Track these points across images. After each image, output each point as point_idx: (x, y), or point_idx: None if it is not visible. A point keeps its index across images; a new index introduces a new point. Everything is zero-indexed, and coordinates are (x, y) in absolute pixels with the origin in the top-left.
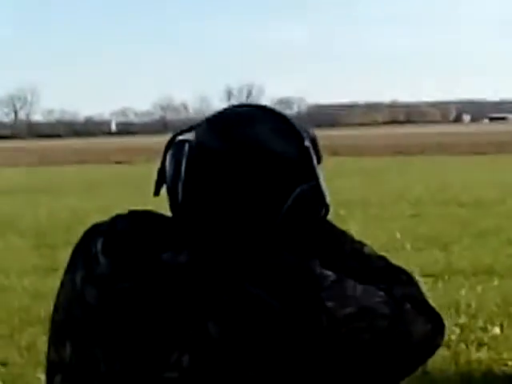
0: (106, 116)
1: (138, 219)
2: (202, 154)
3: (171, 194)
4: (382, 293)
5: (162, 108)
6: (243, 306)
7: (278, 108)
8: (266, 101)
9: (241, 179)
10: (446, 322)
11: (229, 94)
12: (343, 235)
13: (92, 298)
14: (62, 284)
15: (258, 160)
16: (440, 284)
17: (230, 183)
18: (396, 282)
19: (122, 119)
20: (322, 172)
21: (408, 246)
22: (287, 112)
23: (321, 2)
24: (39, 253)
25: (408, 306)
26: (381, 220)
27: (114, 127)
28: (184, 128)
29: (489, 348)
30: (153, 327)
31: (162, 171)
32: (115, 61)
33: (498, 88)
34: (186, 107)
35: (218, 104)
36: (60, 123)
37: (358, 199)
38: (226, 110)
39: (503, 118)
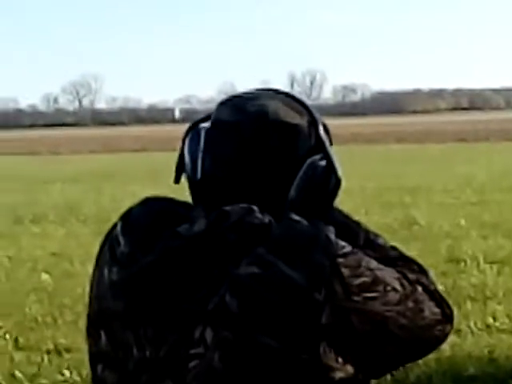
0: (170, 103)
1: (153, 203)
2: (217, 128)
3: (190, 177)
4: (395, 272)
5: (226, 95)
6: (260, 277)
7: (341, 95)
8: (329, 87)
9: (253, 148)
10: None
11: (292, 80)
12: (357, 226)
13: (116, 277)
14: (94, 275)
15: (269, 129)
16: (505, 271)
17: (243, 153)
18: (409, 269)
19: (185, 106)
20: (333, 151)
21: (473, 233)
22: (352, 98)
23: None
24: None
25: (420, 289)
26: (445, 207)
27: (177, 114)
28: (202, 117)
29: None
30: (174, 303)
31: (181, 159)
32: (178, 47)
33: None
34: None
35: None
36: (123, 110)
37: (423, 186)
38: (237, 93)
39: None
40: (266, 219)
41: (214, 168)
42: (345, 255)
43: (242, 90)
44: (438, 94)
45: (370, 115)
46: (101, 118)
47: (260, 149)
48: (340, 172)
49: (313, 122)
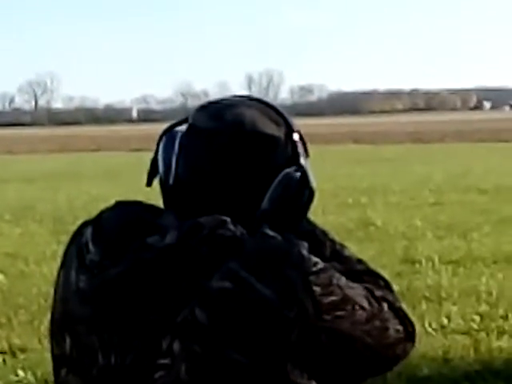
0: (127, 103)
1: (125, 208)
2: (193, 134)
3: (163, 180)
4: (363, 289)
5: (183, 95)
6: (231, 292)
7: (298, 95)
8: (286, 87)
9: (229, 157)
10: (468, 310)
11: (249, 81)
12: (324, 236)
13: (84, 285)
14: (58, 279)
15: (245, 138)
16: (460, 272)
17: (218, 161)
18: (375, 285)
19: (142, 106)
20: (308, 162)
21: (429, 234)
22: (309, 98)
23: None
24: (58, 239)
25: (386, 306)
26: (402, 208)
27: (134, 114)
28: (179, 120)
29: (509, 336)
30: (143, 313)
31: (154, 162)
32: (136, 48)
33: None
34: (206, 94)
35: (238, 91)
36: (80, 110)
37: (379, 187)
38: (216, 99)
39: None
40: (239, 232)
41: (188, 174)
42: (317, 273)
43: (221, 97)
44: (395, 94)
45: (327, 116)
46: (57, 118)
47: (235, 158)
48: (314, 184)
49: (289, 134)
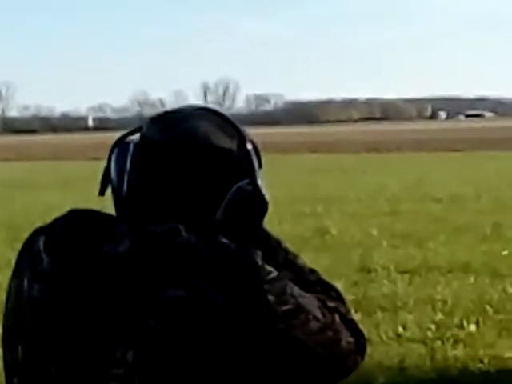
0: (83, 111)
1: (78, 217)
2: (146, 146)
3: (116, 191)
4: (316, 300)
5: (139, 104)
6: (185, 301)
7: (254, 104)
8: (242, 96)
9: (181, 170)
10: (423, 319)
11: (205, 90)
12: (278, 245)
13: (37, 293)
14: (10, 288)
15: (198, 152)
16: (416, 281)
17: (171, 174)
18: (327, 296)
19: (98, 115)
20: (260, 173)
21: (384, 243)
22: (265, 107)
23: None
24: (12, 247)
25: (338, 318)
26: (357, 217)
27: (90, 123)
28: (131, 129)
29: (465, 345)
30: (96, 323)
31: (107, 171)
32: (91, 56)
33: (473, 85)
34: (162, 103)
35: (194, 100)
36: (36, 119)
37: (335, 196)
38: (170, 109)
39: (479, 115)
40: (193, 240)
41: (140, 186)
42: (271, 281)
43: (175, 107)
44: (351, 103)
45: (283, 125)
46: (13, 126)
47: (187, 171)
48: (267, 196)
49: (242, 144)
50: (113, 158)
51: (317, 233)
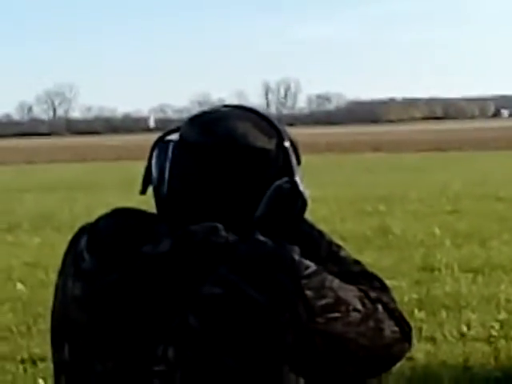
0: (144, 112)
1: (120, 216)
2: (185, 147)
3: (157, 190)
4: (357, 291)
5: (200, 104)
6: (222, 298)
7: (315, 104)
8: (304, 96)
9: (220, 171)
10: (487, 317)
11: (266, 90)
12: (321, 237)
13: (79, 292)
14: (57, 287)
15: (236, 152)
16: (479, 280)
17: (210, 174)
18: (370, 286)
19: (160, 115)
20: (299, 171)
21: (447, 242)
22: (326, 107)
23: None
24: None
25: (380, 307)
26: (420, 216)
27: (152, 123)
28: (171, 129)
29: None
30: (137, 320)
31: (148, 170)
32: (153, 57)
33: None
34: (223, 103)
35: (256, 100)
36: (98, 120)
37: (398, 195)
38: (208, 109)
39: None
40: (231, 238)
41: (180, 185)
42: (309, 276)
43: (213, 107)
44: (413, 103)
45: (345, 124)
46: (75, 128)
47: (226, 171)
48: (306, 194)
49: (280, 143)
50: (153, 158)
51: (379, 232)
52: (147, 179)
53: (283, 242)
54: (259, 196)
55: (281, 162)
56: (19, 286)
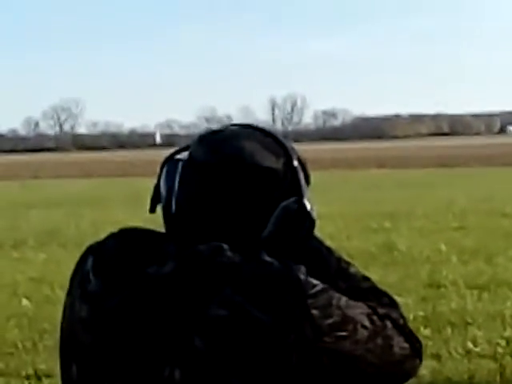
0: (151, 128)
1: (127, 237)
2: (193, 166)
3: (165, 209)
4: (365, 307)
5: (207, 120)
6: (228, 320)
7: (322, 120)
8: (310, 112)
9: (228, 190)
10: (493, 334)
11: (273, 105)
12: (330, 254)
13: (85, 314)
14: (65, 307)
15: (244, 172)
16: (485, 296)
17: (218, 194)
18: (379, 303)
19: (166, 131)
20: (308, 191)
21: (453, 258)
22: (332, 123)
23: (360, 15)
24: None
25: (389, 324)
26: (426, 232)
27: (158, 139)
28: (180, 147)
29: None
30: (143, 342)
31: (157, 189)
32: (159, 72)
33: None
34: (230, 119)
35: (262, 115)
36: (104, 135)
37: (403, 211)
38: (217, 128)
39: None
40: (237, 259)
41: (188, 204)
42: (315, 295)
43: (221, 126)
44: (419, 119)
45: (351, 140)
46: (82, 143)
47: (234, 190)
48: (314, 214)
49: (289, 162)
50: (162, 176)
51: (385, 248)
52: (156, 198)
53: (289, 262)
54: (266, 216)
55: (289, 181)
56: (25, 301)
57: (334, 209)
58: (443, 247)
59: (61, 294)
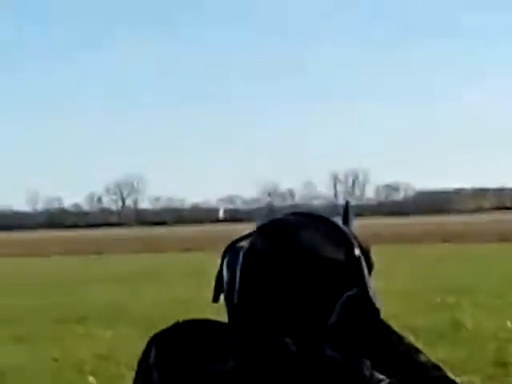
0: (213, 203)
1: (189, 329)
2: (253, 256)
3: (228, 298)
4: None
5: (269, 194)
6: None
7: (383, 194)
8: (372, 186)
9: (287, 281)
10: None
11: (334, 180)
12: (400, 342)
13: None
14: None
15: (303, 263)
16: None
17: (278, 285)
18: None
19: (228, 206)
20: (371, 279)
21: None
22: (394, 197)
23: (421, 86)
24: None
25: None
26: (490, 308)
27: (221, 214)
28: (242, 235)
29: None
30: None
31: (219, 278)
32: (221, 149)
33: None
34: (292, 193)
35: (323, 190)
36: (167, 210)
37: (467, 286)
38: (277, 218)
39: None
40: (300, 354)
41: (249, 295)
42: None
43: (282, 215)
44: (481, 192)
45: (413, 214)
46: (144, 218)
47: (293, 282)
48: (378, 303)
49: (351, 253)
50: (224, 265)
51: (450, 325)
52: (219, 286)
53: (353, 357)
54: (329, 306)
55: (351, 271)
56: (91, 379)
57: (398, 284)
58: (509, 324)
59: (127, 372)
